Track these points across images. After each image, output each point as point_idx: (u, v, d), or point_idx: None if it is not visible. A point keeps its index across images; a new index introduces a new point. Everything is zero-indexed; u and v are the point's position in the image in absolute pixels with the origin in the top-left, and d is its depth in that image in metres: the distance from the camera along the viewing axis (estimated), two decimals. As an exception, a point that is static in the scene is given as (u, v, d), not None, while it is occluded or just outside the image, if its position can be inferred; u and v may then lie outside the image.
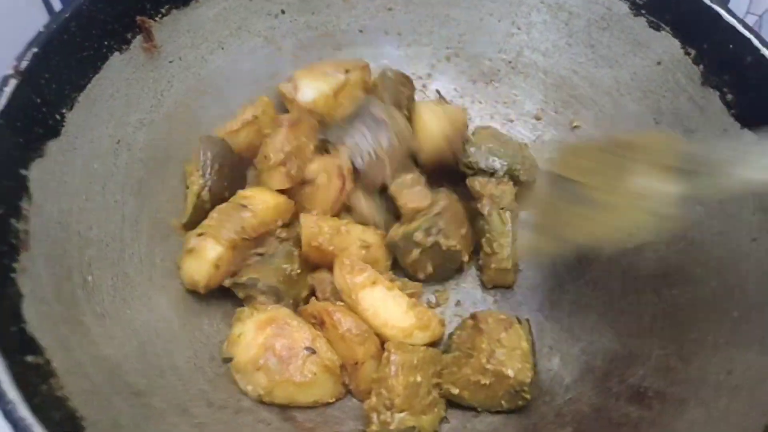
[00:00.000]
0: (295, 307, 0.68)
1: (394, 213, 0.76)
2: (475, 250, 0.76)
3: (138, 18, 0.69)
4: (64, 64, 0.63)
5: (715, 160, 0.53)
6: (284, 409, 0.62)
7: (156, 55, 0.72)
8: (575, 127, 0.84)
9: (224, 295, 0.69)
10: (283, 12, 0.83)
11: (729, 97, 0.70)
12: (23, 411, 0.40)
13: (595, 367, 0.67)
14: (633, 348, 0.67)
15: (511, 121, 0.88)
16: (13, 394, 0.40)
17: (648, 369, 0.64)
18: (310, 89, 0.78)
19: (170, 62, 0.74)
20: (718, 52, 0.71)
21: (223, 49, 0.80)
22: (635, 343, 0.68)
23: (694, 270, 0.68)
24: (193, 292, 0.67)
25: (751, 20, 0.91)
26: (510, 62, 0.88)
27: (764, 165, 0.51)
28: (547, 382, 0.68)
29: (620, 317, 0.71)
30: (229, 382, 0.62)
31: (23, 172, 0.57)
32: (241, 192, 0.72)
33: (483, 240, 0.74)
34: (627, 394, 0.63)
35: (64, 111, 0.62)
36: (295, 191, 0.74)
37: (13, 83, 0.58)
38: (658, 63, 0.77)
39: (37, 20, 0.63)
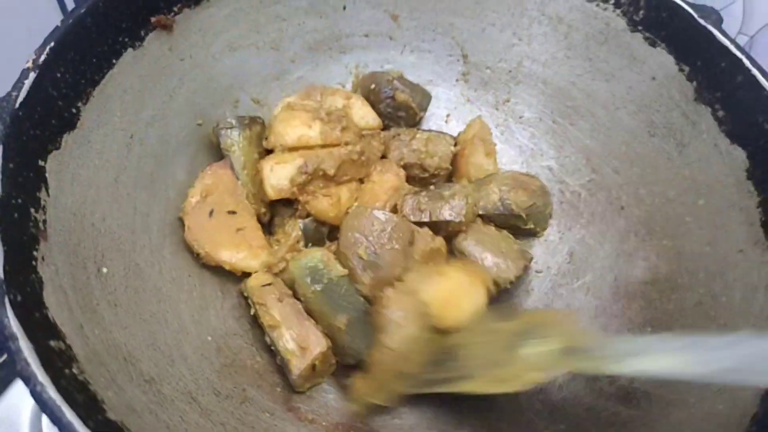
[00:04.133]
0: None
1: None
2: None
3: (154, 20, 0.71)
4: (79, 59, 0.64)
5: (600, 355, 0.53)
6: (287, 400, 0.64)
7: (167, 52, 0.74)
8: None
9: (230, 289, 0.71)
10: (292, 15, 0.85)
11: (720, 113, 0.73)
12: (52, 392, 0.41)
13: (586, 368, 0.70)
14: (623, 351, 0.70)
15: (509, 128, 0.91)
16: (42, 376, 0.42)
17: (637, 371, 0.67)
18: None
19: (181, 60, 0.76)
20: (710, 70, 0.74)
21: (232, 49, 0.81)
22: (625, 346, 0.70)
23: (682, 278, 0.71)
24: (200, 285, 0.69)
25: (742, 40, 0.95)
26: (510, 71, 0.90)
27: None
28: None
29: (611, 321, 0.74)
30: (234, 372, 0.64)
31: (41, 163, 0.58)
32: None
33: None
34: (617, 394, 0.66)
35: (79, 104, 0.64)
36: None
37: (31, 76, 0.59)
38: (653, 78, 0.80)
39: (53, 20, 0.65)
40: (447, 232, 0.76)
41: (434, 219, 0.75)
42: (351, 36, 0.89)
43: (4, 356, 0.86)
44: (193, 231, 0.71)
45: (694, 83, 0.76)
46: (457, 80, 0.93)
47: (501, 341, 0.59)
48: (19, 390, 0.81)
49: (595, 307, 0.76)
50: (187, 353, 0.62)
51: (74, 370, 0.47)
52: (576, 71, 0.86)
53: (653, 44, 0.79)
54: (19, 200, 0.53)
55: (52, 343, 0.47)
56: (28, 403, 0.80)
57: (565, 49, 0.87)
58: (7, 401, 0.80)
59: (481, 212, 0.79)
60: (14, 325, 0.44)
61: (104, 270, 0.60)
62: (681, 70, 0.77)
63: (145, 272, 0.65)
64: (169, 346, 0.61)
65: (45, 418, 0.80)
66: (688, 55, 0.77)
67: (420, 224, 0.74)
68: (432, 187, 0.80)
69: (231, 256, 0.70)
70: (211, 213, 0.72)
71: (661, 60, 0.79)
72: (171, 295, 0.66)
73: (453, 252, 0.77)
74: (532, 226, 0.81)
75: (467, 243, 0.76)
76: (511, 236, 0.80)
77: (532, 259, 0.80)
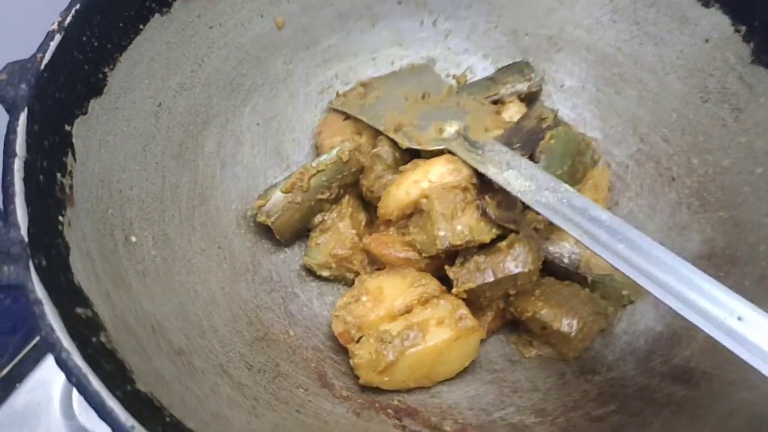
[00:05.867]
0: None
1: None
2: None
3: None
4: (106, 23, 0.62)
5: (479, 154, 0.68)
6: (321, 376, 0.62)
7: (196, 19, 0.71)
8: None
9: (261, 262, 0.68)
10: (322, -19, 0.82)
11: (780, 75, 0.68)
12: (78, 360, 0.39)
13: (637, 348, 0.66)
14: (677, 329, 0.66)
15: (550, 96, 0.86)
16: (67, 343, 0.39)
17: (694, 350, 0.63)
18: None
19: (210, 28, 0.73)
20: (770, 30, 0.69)
21: (262, 16, 0.78)
22: (679, 324, 0.66)
23: (741, 252, 0.67)
24: (230, 257, 0.67)
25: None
26: (551, 38, 0.86)
27: None
28: (588, 361, 0.67)
29: (662, 298, 0.70)
30: (267, 346, 0.62)
31: (67, 127, 0.56)
32: None
33: None
34: (672, 374, 0.62)
35: (106, 70, 0.61)
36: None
37: (57, 38, 0.57)
38: (706, 40, 0.75)
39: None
40: (516, 288, 0.66)
41: (500, 276, 0.64)
42: (384, 3, 0.86)
43: (37, 338, 0.86)
44: None
45: (752, 44, 0.71)
46: (492, 48, 0.88)
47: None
48: (49, 367, 0.80)
49: (645, 283, 0.71)
50: (217, 325, 0.60)
51: (102, 339, 0.44)
52: (622, 36, 0.81)
53: (706, 4, 0.74)
54: (44, 163, 0.51)
55: (79, 310, 0.45)
56: (58, 382, 0.80)
57: (610, 13, 0.82)
58: (37, 379, 0.80)
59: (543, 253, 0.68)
60: (39, 289, 0.42)
61: (132, 239, 0.58)
62: (737, 30, 0.72)
63: (175, 242, 0.63)
64: (199, 317, 0.58)
65: (75, 396, 0.79)
66: (745, 14, 0.71)
67: (483, 287, 0.64)
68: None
69: None
70: None
71: (716, 21, 0.73)
72: (201, 266, 0.63)
73: (521, 320, 0.68)
74: (597, 296, 0.69)
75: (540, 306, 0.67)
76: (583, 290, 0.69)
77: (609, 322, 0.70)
